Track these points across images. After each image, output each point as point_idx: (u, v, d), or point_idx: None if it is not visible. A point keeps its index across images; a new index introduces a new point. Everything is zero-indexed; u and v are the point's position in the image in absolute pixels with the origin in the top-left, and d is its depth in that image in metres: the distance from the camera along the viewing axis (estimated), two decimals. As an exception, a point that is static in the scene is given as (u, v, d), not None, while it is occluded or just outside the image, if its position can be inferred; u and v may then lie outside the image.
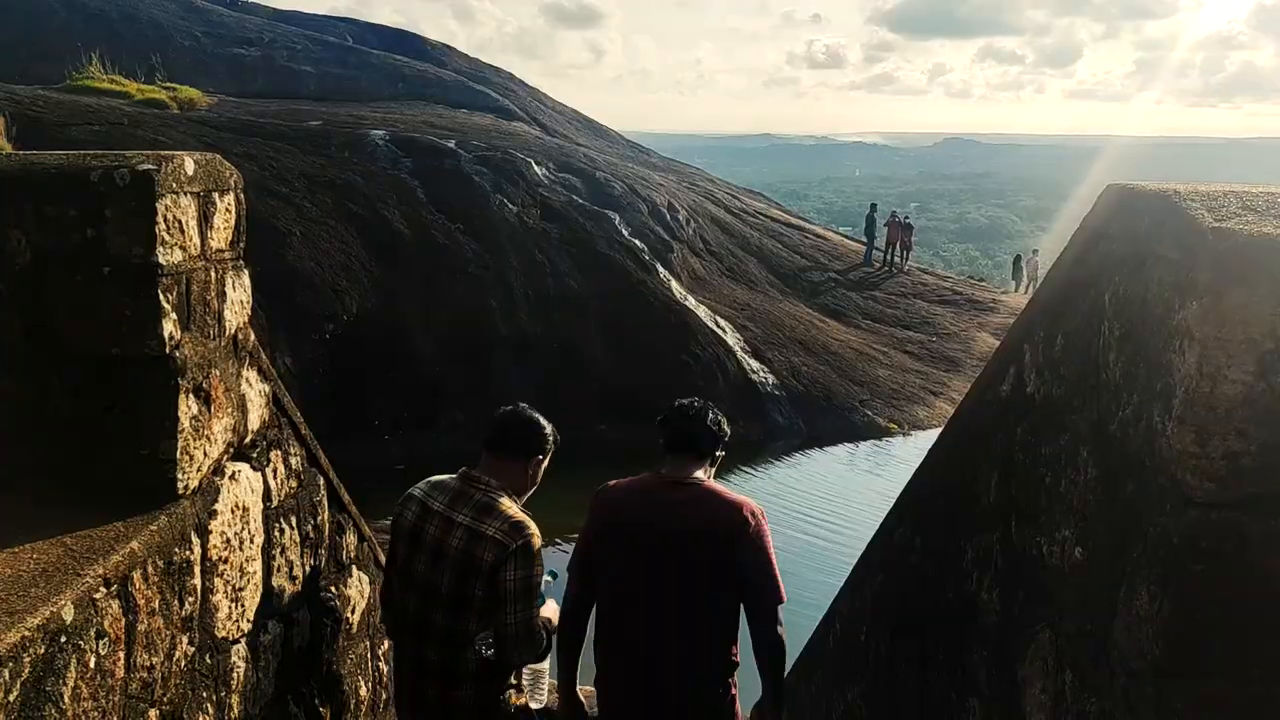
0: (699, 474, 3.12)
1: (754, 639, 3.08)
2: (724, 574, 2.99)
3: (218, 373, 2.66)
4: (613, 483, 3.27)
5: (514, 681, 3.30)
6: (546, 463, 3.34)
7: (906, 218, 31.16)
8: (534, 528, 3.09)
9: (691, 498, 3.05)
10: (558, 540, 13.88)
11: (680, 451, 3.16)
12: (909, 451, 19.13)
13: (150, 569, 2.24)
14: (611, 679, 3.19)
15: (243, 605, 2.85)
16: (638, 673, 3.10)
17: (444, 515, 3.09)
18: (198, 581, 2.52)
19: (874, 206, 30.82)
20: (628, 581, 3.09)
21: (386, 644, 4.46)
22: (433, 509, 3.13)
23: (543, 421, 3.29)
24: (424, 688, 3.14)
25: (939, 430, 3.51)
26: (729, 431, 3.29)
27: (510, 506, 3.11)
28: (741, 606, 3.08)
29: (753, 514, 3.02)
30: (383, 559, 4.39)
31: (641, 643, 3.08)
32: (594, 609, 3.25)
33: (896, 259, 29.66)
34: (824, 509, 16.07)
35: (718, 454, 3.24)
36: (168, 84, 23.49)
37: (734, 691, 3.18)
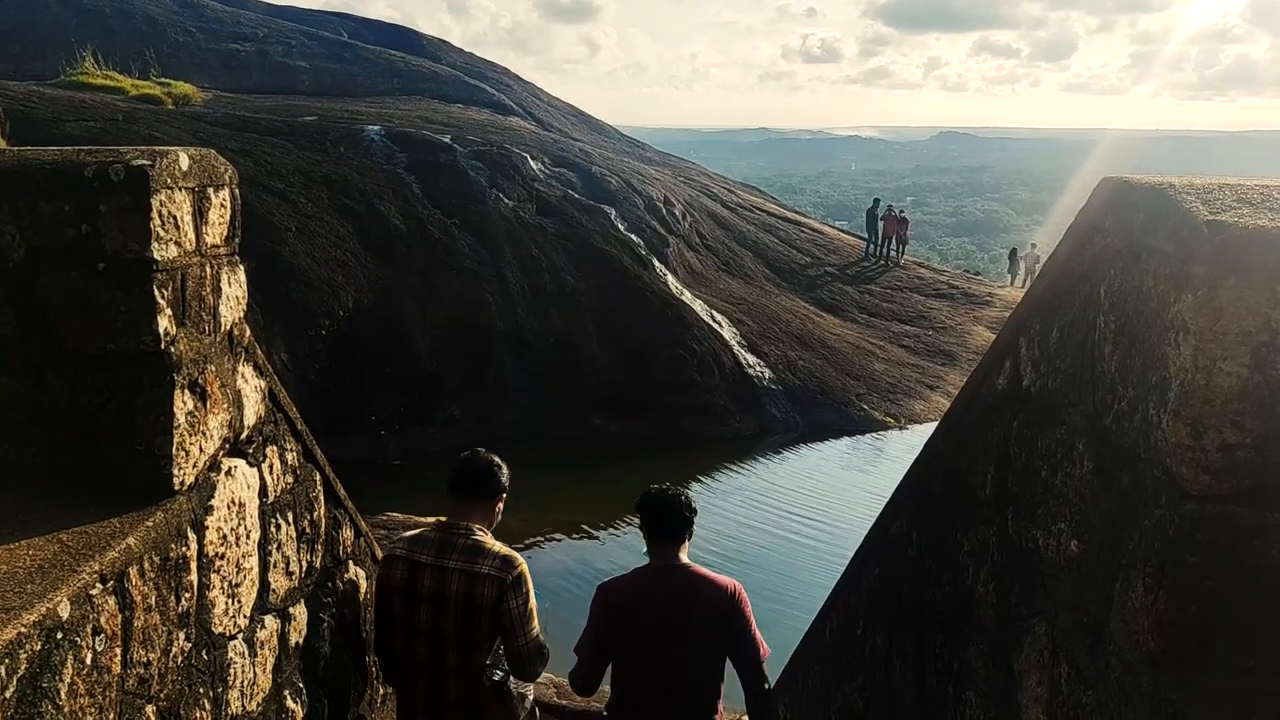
0: (683, 555, 3.71)
1: (745, 688, 3.68)
2: (718, 641, 3.60)
3: (213, 368, 2.65)
4: (610, 580, 3.81)
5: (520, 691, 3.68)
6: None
7: (902, 211, 31.16)
8: (520, 557, 3.41)
9: (684, 584, 3.63)
10: (571, 533, 13.89)
11: (663, 540, 3.71)
12: (898, 449, 19.13)
13: (146, 565, 2.24)
14: None
15: (239, 601, 2.85)
16: None
17: (434, 566, 3.34)
18: (194, 577, 2.52)
19: (877, 201, 30.81)
20: (641, 658, 3.62)
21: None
22: (421, 563, 3.37)
23: (500, 462, 3.59)
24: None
25: (935, 424, 3.52)
26: (696, 509, 3.82)
27: (495, 543, 3.40)
28: (728, 660, 3.67)
29: (735, 591, 3.64)
30: (379, 553, 4.39)
31: (656, 705, 3.63)
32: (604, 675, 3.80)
33: (892, 253, 29.68)
34: (815, 508, 16.05)
35: (691, 532, 3.77)
36: (162, 80, 23.44)
37: None
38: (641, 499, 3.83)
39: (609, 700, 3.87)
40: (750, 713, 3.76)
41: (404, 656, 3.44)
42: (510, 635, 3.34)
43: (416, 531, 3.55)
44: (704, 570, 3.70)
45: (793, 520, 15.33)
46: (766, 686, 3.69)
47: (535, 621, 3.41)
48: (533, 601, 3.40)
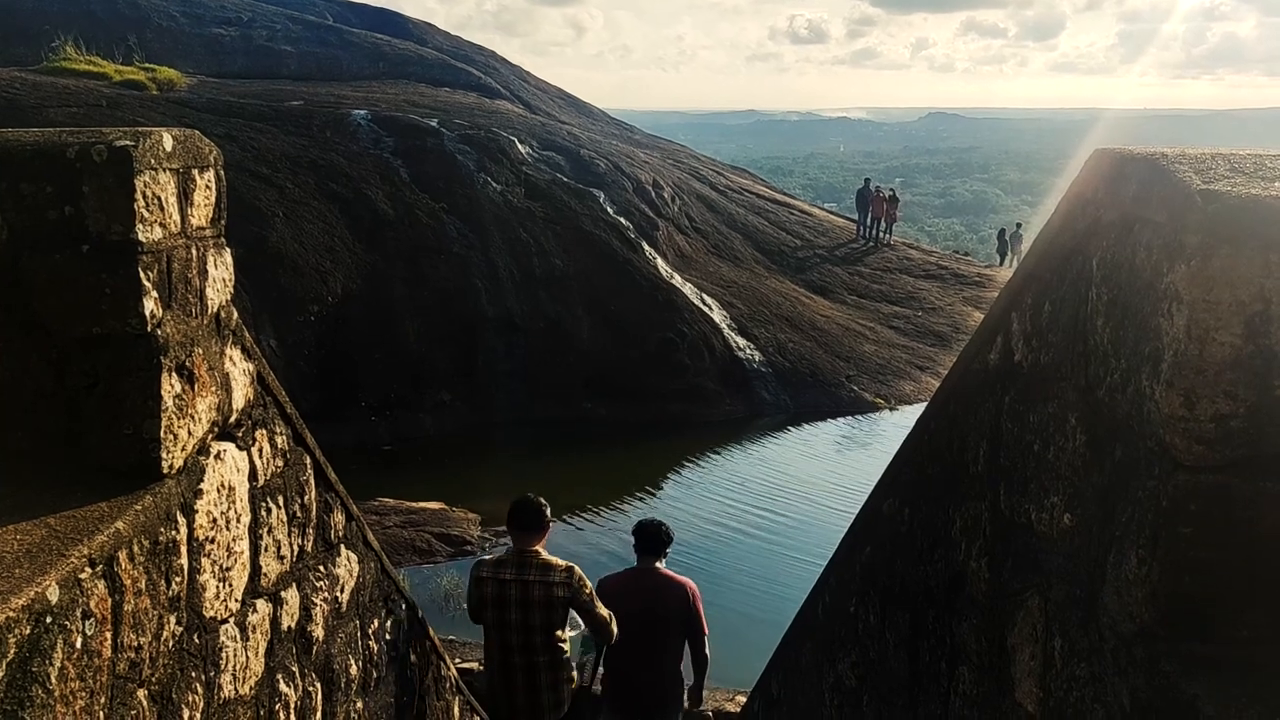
0: (659, 565, 5.43)
1: (691, 656, 5.46)
2: (679, 626, 5.35)
3: (201, 351, 2.63)
4: (607, 577, 5.45)
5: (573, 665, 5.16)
6: None
7: (891, 191, 31.11)
8: (575, 565, 4.88)
9: (658, 583, 5.36)
10: (563, 517, 13.88)
11: (646, 555, 5.44)
12: (886, 432, 19.15)
13: (136, 549, 2.22)
14: (616, 684, 5.45)
15: (230, 585, 2.83)
16: (634, 683, 5.39)
17: (518, 580, 4.79)
18: (184, 561, 2.50)
19: (867, 182, 30.74)
20: (628, 633, 5.08)
21: (376, 623, 4.47)
22: (506, 579, 4.80)
23: (545, 502, 4.96)
24: (538, 681, 4.87)
25: (925, 405, 3.52)
26: (673, 536, 5.54)
27: (555, 559, 4.87)
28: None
29: (691, 589, 5.38)
30: (371, 539, 4.38)
31: (635, 669, 5.34)
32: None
33: (881, 233, 29.67)
34: (787, 500, 16.00)
35: (668, 550, 5.46)
36: (146, 65, 23.23)
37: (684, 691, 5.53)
38: (636, 526, 5.58)
39: (603, 679, 5.46)
40: (694, 668, 5.51)
41: (500, 644, 4.85)
42: (590, 615, 4.88)
43: (495, 557, 5.01)
44: (669, 572, 5.43)
45: (760, 515, 15.32)
46: (706, 652, 5.43)
47: (599, 601, 4.90)
48: (591, 589, 4.88)
